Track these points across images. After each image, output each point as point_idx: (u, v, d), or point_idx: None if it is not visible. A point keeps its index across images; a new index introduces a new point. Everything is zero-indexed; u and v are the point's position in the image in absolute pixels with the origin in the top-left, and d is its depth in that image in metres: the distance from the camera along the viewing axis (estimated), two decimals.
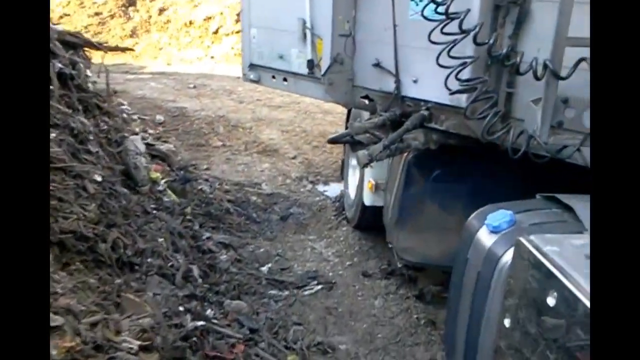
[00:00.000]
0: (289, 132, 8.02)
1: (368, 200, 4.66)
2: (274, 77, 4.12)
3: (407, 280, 4.37)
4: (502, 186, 3.54)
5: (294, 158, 7.06)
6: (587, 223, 2.18)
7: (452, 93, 2.52)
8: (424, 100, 3.14)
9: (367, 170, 4.63)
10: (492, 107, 2.42)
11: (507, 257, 2.18)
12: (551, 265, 1.80)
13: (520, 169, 3.47)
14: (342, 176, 6.07)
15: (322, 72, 3.35)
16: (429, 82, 3.08)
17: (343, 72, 3.38)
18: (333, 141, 3.82)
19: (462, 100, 2.91)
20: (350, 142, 3.30)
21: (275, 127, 8.23)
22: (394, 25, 3.11)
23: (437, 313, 4.00)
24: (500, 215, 2.34)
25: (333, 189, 6.27)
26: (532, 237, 1.98)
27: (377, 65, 3.25)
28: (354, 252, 4.88)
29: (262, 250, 4.71)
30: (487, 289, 2.25)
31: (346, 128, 5.67)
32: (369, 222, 4.97)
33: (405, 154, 3.64)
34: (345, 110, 5.80)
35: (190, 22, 14.79)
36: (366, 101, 3.49)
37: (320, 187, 6.33)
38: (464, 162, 3.54)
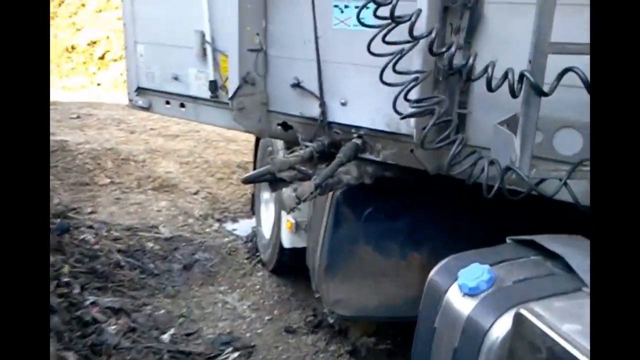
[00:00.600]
0: (188, 164, 7.22)
1: (287, 241, 4.04)
2: (168, 102, 3.41)
3: (337, 333, 3.78)
4: (445, 224, 3.12)
5: (196, 193, 6.28)
6: (585, 276, 1.72)
7: (403, 117, 1.99)
8: (356, 127, 2.61)
9: None
10: (455, 133, 1.92)
11: (497, 331, 1.66)
12: (576, 350, 1.29)
13: (463, 204, 3.06)
14: (252, 211, 5.40)
15: (230, 96, 2.71)
16: (361, 105, 2.56)
17: (255, 95, 2.77)
18: (249, 181, 3.15)
19: (403, 126, 2.41)
20: (271, 180, 2.67)
21: (173, 158, 7.40)
22: (316, 37, 2.55)
23: None
24: (474, 272, 1.82)
25: (244, 227, 5.57)
26: (535, 308, 1.47)
27: (297, 85, 2.67)
28: (273, 303, 4.22)
29: (162, 312, 3.91)
30: None
31: (254, 157, 5.04)
32: (289, 265, 4.35)
33: (332, 193, 3.08)
34: (251, 137, 5.17)
35: (73, 47, 13.48)
36: (284, 129, 2.89)
37: (229, 226, 5.61)
38: (400, 197, 3.05)
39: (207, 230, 5.44)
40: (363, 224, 3.09)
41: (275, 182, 2.64)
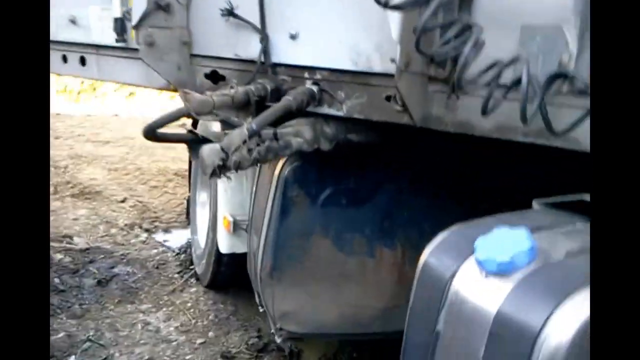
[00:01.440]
0: (117, 171, 6.34)
1: (224, 245, 3.27)
2: (65, 57, 2.61)
3: (289, 357, 3.02)
4: (425, 208, 2.46)
5: (122, 201, 5.42)
6: None
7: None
8: (310, 68, 1.92)
9: (222, 202, 3.27)
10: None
11: (555, 334, 0.98)
12: None
13: (448, 181, 2.41)
14: (188, 220, 4.60)
15: (134, 23, 1.97)
16: (317, 38, 1.87)
17: (173, 30, 2.04)
18: (152, 134, 2.20)
19: (376, 62, 1.75)
20: (189, 140, 1.91)
21: (100, 165, 6.50)
22: None
23: None
24: (503, 239, 1.13)
25: (177, 238, 4.75)
26: None
27: (230, 13, 1.96)
28: (207, 324, 3.41)
29: (61, 335, 3.04)
30: None
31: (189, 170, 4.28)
32: (228, 277, 3.57)
33: (279, 167, 2.36)
34: None
35: None
36: (213, 81, 2.16)
37: (159, 236, 4.78)
38: (369, 173, 2.37)
39: (132, 241, 4.59)
40: (320, 210, 2.37)
41: (195, 143, 1.89)
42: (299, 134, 1.95)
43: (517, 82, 1.21)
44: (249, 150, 1.83)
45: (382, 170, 2.37)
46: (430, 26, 1.22)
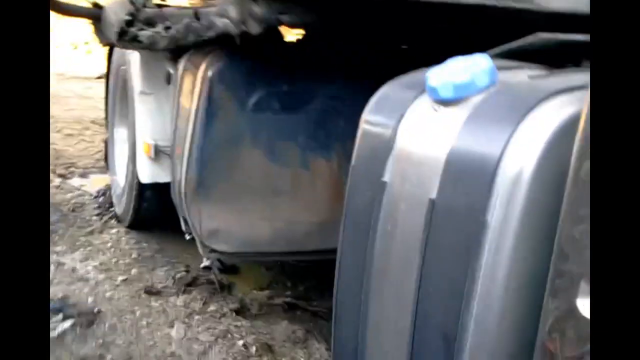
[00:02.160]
0: None
1: (146, 174, 2.99)
2: None
3: (219, 289, 2.83)
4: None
5: None
6: None
7: None
8: None
9: (141, 127, 2.98)
10: None
11: (514, 154, 0.84)
12: None
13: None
14: (107, 164, 4.24)
15: None
16: None
17: None
18: (56, 6, 1.86)
19: None
20: (93, 15, 1.62)
21: None
22: None
23: (271, 331, 2.54)
24: (459, 65, 0.98)
25: (95, 183, 4.38)
26: None
27: None
28: (130, 262, 3.15)
29: None
30: (475, 235, 0.86)
31: (107, 77, 3.91)
32: (151, 212, 3.29)
33: (203, 68, 2.12)
34: None
35: None
36: None
37: (75, 181, 4.39)
38: (304, 74, 2.18)
39: None
40: (249, 116, 2.17)
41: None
42: (223, 13, 1.72)
43: None
44: (167, 28, 1.59)
45: (316, 72, 2.19)
46: None
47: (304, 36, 2.27)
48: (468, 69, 0.94)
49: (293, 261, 3.01)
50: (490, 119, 0.89)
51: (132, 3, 1.34)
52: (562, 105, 0.82)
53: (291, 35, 2.29)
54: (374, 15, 1.86)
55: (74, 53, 10.43)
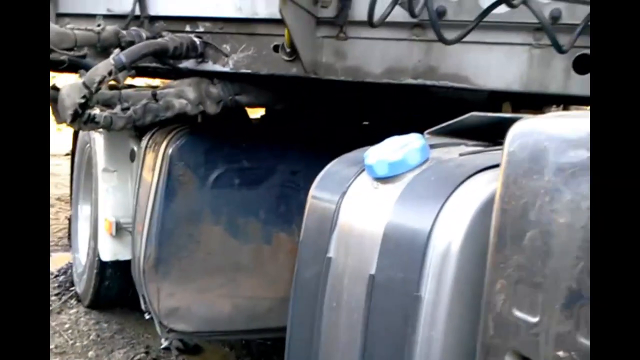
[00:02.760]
0: None
1: (107, 251, 2.94)
2: None
3: None
4: None
5: None
6: None
7: None
8: (192, 19, 1.77)
9: (103, 204, 2.95)
10: None
11: (442, 229, 0.87)
12: None
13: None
14: (70, 242, 4.16)
15: None
16: None
17: None
18: None
19: (261, 6, 1.64)
20: (50, 98, 1.65)
21: None
22: None
23: None
24: (394, 144, 1.03)
25: (57, 261, 4.26)
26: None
27: None
28: (88, 343, 3.02)
29: None
30: (411, 310, 0.88)
31: (72, 157, 3.91)
32: (111, 291, 3.20)
33: (164, 146, 2.16)
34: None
35: None
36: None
37: None
38: (263, 150, 2.22)
39: None
40: (210, 192, 2.19)
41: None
42: (181, 94, 1.78)
43: None
44: (124, 109, 1.63)
45: (276, 148, 2.24)
46: None
47: (264, 113, 2.35)
48: (402, 147, 0.99)
49: (257, 339, 2.93)
50: (421, 195, 0.93)
51: (86, 87, 1.38)
52: (487, 181, 0.87)
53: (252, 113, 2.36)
54: (327, 94, 1.95)
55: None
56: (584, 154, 0.64)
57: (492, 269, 0.73)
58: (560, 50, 1.16)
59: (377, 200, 1.01)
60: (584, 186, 0.63)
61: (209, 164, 2.15)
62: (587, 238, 0.63)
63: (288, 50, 1.60)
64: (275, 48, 1.66)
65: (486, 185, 0.85)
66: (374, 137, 1.49)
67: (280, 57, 1.65)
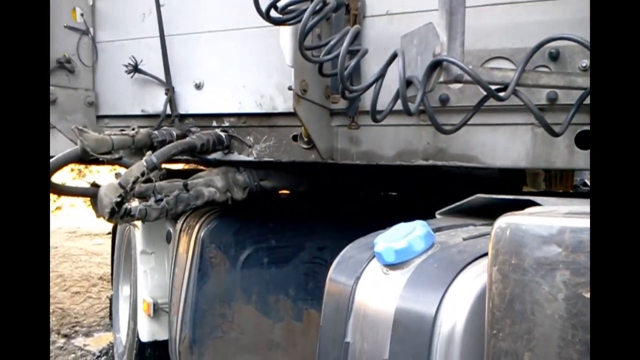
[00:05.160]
0: None
1: (145, 332, 3.02)
2: None
3: None
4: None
5: None
6: None
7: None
8: (217, 116, 1.93)
9: (142, 285, 3.07)
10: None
11: (447, 312, 0.93)
12: None
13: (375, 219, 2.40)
14: (111, 321, 4.27)
15: None
16: (222, 85, 1.91)
17: (77, 90, 2.01)
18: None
19: (279, 102, 1.79)
20: (91, 194, 1.80)
21: None
22: (157, 5, 1.93)
23: None
24: (400, 232, 1.11)
25: (99, 341, 4.37)
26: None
27: (135, 69, 1.97)
28: None
29: None
30: None
31: (112, 250, 4.08)
32: None
33: (196, 230, 2.28)
34: None
35: None
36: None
37: (79, 341, 4.38)
38: (291, 229, 2.32)
39: None
40: (241, 272, 2.27)
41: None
42: (210, 183, 1.90)
43: (407, 84, 1.24)
44: (158, 201, 1.76)
45: (303, 226, 2.33)
46: (310, 27, 1.26)
47: (289, 193, 2.45)
48: (407, 235, 1.06)
49: None
50: (426, 282, 0.99)
51: (121, 187, 1.52)
52: (485, 268, 0.92)
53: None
54: (347, 175, 2.05)
55: (87, 210, 10.88)
56: (556, 249, 0.70)
57: (487, 356, 0.77)
58: (553, 134, 1.23)
59: (388, 285, 1.07)
60: (558, 279, 0.69)
61: (239, 245, 2.25)
62: (567, 326, 0.67)
63: (305, 139, 1.72)
64: (294, 138, 1.79)
65: (484, 272, 0.91)
66: (397, 209, 1.56)
67: (299, 146, 1.77)
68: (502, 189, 1.63)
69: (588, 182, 3.97)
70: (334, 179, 2.14)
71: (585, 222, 0.69)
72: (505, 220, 0.78)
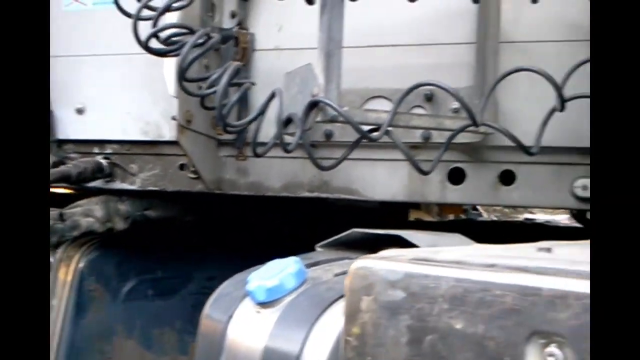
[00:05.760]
0: None
1: None
2: None
3: None
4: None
5: None
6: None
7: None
8: (99, 142, 1.84)
9: None
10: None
11: (313, 349, 0.94)
12: None
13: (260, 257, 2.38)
14: None
15: None
16: (106, 110, 1.83)
17: None
18: None
19: (165, 129, 1.75)
20: None
21: None
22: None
23: None
24: (273, 269, 1.11)
25: None
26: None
27: None
28: None
29: None
30: None
31: None
32: None
33: (75, 261, 2.14)
34: None
35: None
36: None
37: None
38: (178, 261, 2.24)
39: None
40: (122, 305, 2.16)
41: None
42: (88, 212, 1.81)
43: (287, 121, 1.26)
44: None
45: (191, 256, 2.27)
46: (189, 61, 1.25)
47: (177, 223, 2.39)
48: (279, 273, 1.07)
49: None
50: (294, 319, 1.00)
51: None
52: None
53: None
54: (237, 205, 2.03)
55: None
56: (401, 294, 0.73)
57: None
58: (422, 172, 1.31)
59: (259, 324, 1.06)
60: (403, 323, 0.72)
61: (122, 277, 2.14)
62: None
63: (192, 169, 1.69)
64: (181, 167, 1.75)
65: None
66: (286, 240, 1.57)
67: (185, 175, 1.74)
68: (386, 220, 1.69)
69: (478, 207, 4.23)
70: (222, 208, 2.12)
71: (430, 269, 0.73)
72: (360, 263, 0.80)
